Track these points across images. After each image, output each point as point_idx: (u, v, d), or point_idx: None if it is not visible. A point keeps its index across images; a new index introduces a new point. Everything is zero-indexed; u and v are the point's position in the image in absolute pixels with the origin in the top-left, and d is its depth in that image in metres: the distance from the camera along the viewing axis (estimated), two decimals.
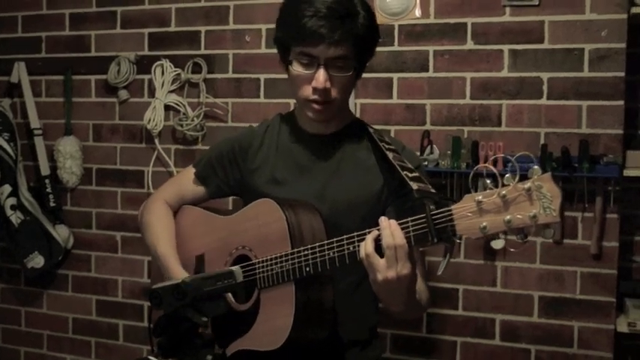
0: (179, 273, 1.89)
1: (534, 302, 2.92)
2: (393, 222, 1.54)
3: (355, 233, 1.61)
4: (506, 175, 1.38)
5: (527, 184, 1.35)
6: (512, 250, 1.44)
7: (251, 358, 1.78)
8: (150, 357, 1.43)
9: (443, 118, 3.00)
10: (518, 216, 1.36)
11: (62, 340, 3.71)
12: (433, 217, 1.47)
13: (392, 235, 1.53)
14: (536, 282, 2.91)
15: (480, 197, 1.40)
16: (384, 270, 1.54)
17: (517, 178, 1.37)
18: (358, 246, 1.60)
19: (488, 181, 1.41)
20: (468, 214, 1.42)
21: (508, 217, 1.37)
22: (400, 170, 1.75)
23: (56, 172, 3.57)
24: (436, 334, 3.05)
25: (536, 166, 1.35)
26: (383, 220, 1.56)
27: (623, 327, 2.75)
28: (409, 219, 1.53)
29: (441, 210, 1.46)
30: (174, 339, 1.45)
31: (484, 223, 1.40)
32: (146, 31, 3.45)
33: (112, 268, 3.58)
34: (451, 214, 1.45)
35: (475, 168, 1.58)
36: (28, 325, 3.78)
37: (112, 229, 3.58)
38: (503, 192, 1.37)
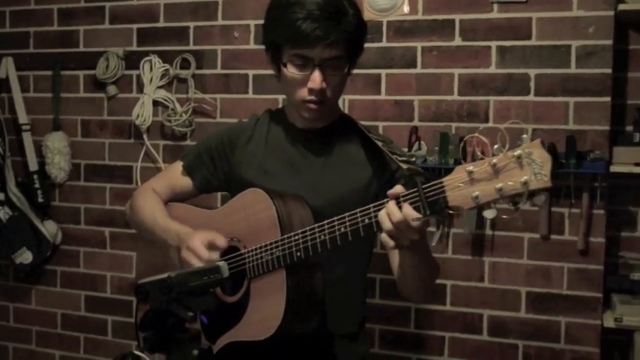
0: (184, 227, 1.90)
1: (522, 298, 2.93)
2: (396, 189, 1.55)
3: (346, 214, 1.62)
4: (496, 146, 1.39)
5: (518, 152, 1.35)
6: (504, 217, 1.44)
7: (241, 351, 1.79)
8: (136, 352, 1.44)
9: (431, 114, 3.01)
10: (510, 183, 1.35)
11: (51, 335, 3.71)
12: (425, 190, 1.47)
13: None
14: (523, 277, 2.92)
15: (471, 167, 1.40)
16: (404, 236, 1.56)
17: (507, 147, 1.37)
18: (350, 227, 1.60)
19: (478, 152, 1.41)
20: (460, 184, 1.42)
21: (500, 184, 1.36)
22: (389, 154, 1.77)
23: (44, 168, 3.56)
24: (424, 329, 3.07)
25: (525, 135, 1.36)
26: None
27: (609, 322, 2.77)
28: (400, 194, 1.53)
29: (432, 182, 1.46)
30: (160, 334, 1.45)
31: (476, 193, 1.39)
32: (135, 26, 3.45)
33: (100, 264, 3.58)
34: (442, 186, 1.45)
35: (465, 138, 1.60)
36: (16, 321, 3.78)
37: (100, 225, 3.57)
38: (494, 160, 1.37)
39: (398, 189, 1.54)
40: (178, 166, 2.11)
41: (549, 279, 2.89)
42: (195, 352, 1.43)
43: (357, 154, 1.95)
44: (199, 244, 1.80)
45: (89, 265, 3.61)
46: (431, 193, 1.47)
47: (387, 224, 1.54)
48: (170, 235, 1.93)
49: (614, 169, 2.74)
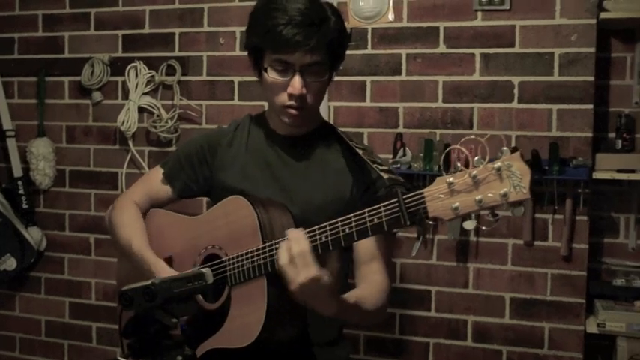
0: (157, 263, 1.88)
1: (506, 303, 2.95)
2: (295, 231, 1.60)
3: (327, 223, 1.62)
4: (476, 158, 1.40)
5: (497, 164, 1.37)
6: (483, 228, 1.46)
7: (222, 358, 1.78)
8: (120, 358, 1.44)
9: (415, 121, 3.02)
10: (490, 195, 1.37)
11: (35, 342, 3.69)
12: (405, 201, 1.48)
13: (297, 243, 1.59)
14: (507, 283, 2.94)
15: (451, 179, 1.42)
16: (295, 276, 1.59)
17: (487, 159, 1.39)
18: (331, 235, 1.61)
19: (458, 164, 1.42)
20: (440, 195, 1.43)
21: (479, 196, 1.38)
22: (370, 164, 1.78)
23: (29, 174, 3.55)
24: (409, 335, 3.08)
25: (504, 147, 1.38)
26: (289, 232, 1.62)
27: (592, 327, 2.80)
28: (381, 205, 1.54)
29: (413, 194, 1.48)
30: (144, 340, 1.45)
31: (456, 204, 1.41)
32: (120, 32, 3.44)
33: (85, 270, 3.57)
34: (423, 197, 1.46)
35: (448, 149, 1.61)
36: (0, 328, 3.76)
37: (85, 231, 3.56)
38: (474, 172, 1.38)
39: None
40: (159, 173, 2.10)
41: (533, 285, 2.91)
42: (180, 358, 1.44)
43: (336, 162, 1.96)
44: None
45: (74, 272, 3.60)
46: (411, 204, 1.48)
47: (283, 257, 1.60)
48: (143, 266, 1.91)
49: (596, 175, 2.77)
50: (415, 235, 2.99)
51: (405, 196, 1.49)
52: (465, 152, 1.48)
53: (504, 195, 1.36)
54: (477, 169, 1.39)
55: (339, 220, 1.60)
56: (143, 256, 1.93)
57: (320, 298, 1.65)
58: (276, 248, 1.69)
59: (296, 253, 1.58)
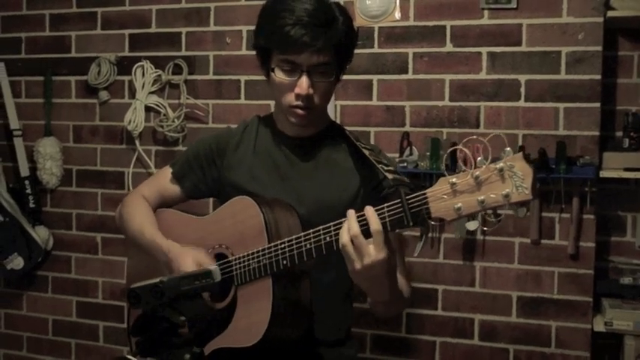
0: (171, 245, 1.88)
1: (513, 302, 2.95)
2: (369, 208, 1.56)
3: (332, 223, 1.62)
4: (479, 158, 1.40)
5: (500, 164, 1.37)
6: (485, 229, 1.47)
7: (229, 357, 1.79)
8: (128, 356, 1.44)
9: (422, 120, 3.02)
10: (492, 195, 1.37)
11: (42, 341, 3.69)
12: (408, 201, 1.48)
13: (368, 222, 1.55)
14: (514, 282, 2.94)
15: (454, 179, 1.42)
16: (361, 257, 1.55)
17: (489, 160, 1.39)
18: (335, 236, 1.61)
19: (461, 164, 1.42)
20: (443, 196, 1.43)
21: (482, 197, 1.38)
22: (376, 164, 1.78)
23: (36, 173, 3.56)
24: (415, 334, 3.08)
25: (508, 148, 1.38)
26: (366, 209, 1.57)
27: (599, 326, 2.79)
28: (384, 205, 1.54)
29: (416, 194, 1.48)
30: (152, 338, 1.45)
31: (458, 204, 1.41)
32: (127, 32, 3.45)
33: (92, 270, 3.58)
34: (425, 198, 1.46)
35: (452, 149, 1.60)
36: (7, 327, 3.77)
37: (92, 231, 3.57)
38: (477, 173, 1.39)
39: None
40: (167, 172, 2.11)
41: (540, 283, 2.91)
42: (188, 356, 1.44)
43: (344, 163, 1.96)
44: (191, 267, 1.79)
45: (81, 271, 3.60)
46: (414, 205, 1.48)
47: (344, 237, 1.55)
48: (157, 251, 1.91)
49: (603, 174, 2.76)
50: (419, 234, 2.99)
51: (407, 197, 1.49)
52: (467, 152, 1.47)
53: (506, 196, 1.36)
54: (479, 170, 1.39)
55: (342, 220, 1.60)
56: (155, 241, 1.93)
57: (380, 282, 1.63)
58: (281, 249, 1.70)
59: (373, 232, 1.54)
